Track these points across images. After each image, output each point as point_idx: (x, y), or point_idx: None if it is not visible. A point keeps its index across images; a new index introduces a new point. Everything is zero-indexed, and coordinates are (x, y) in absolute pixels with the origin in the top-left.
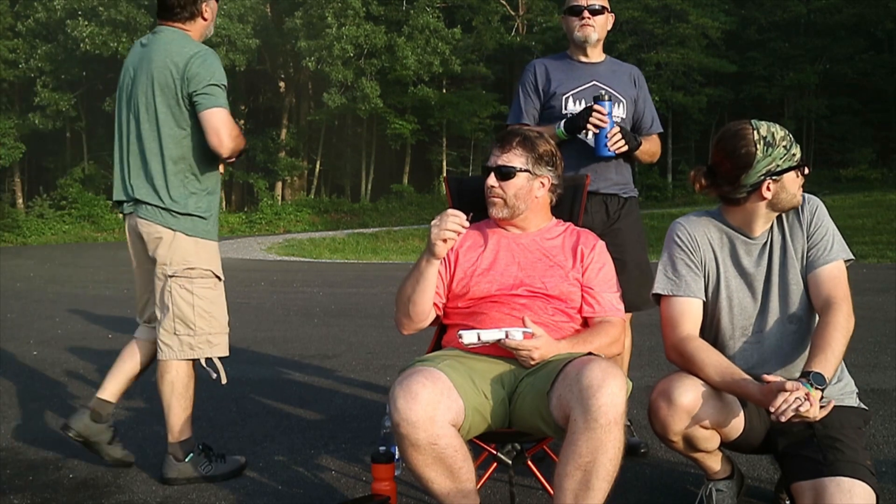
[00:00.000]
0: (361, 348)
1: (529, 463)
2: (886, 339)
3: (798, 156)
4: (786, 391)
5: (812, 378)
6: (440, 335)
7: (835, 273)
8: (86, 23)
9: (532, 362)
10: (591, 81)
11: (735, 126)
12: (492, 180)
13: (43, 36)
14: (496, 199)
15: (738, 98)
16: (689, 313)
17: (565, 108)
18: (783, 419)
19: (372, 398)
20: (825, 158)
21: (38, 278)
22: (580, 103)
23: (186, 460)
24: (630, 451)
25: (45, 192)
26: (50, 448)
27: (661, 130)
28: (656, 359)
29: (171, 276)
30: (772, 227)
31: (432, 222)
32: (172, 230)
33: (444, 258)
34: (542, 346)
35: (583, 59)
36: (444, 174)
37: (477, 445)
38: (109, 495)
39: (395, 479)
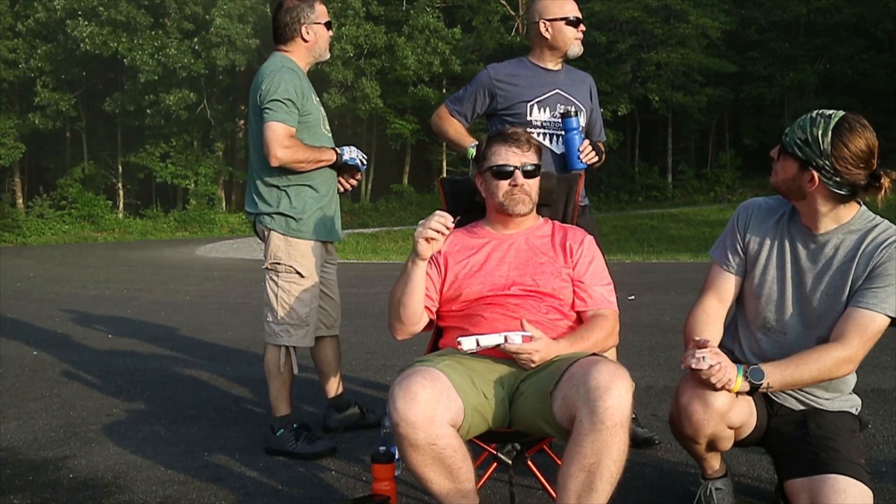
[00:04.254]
0: (361, 348)
1: (529, 463)
2: (886, 339)
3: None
4: (707, 354)
5: (751, 372)
6: (437, 338)
7: (866, 322)
8: (86, 23)
9: (532, 365)
10: (555, 90)
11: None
12: (520, 179)
13: (43, 36)
14: (524, 196)
15: (738, 98)
16: (717, 284)
17: (530, 115)
18: (686, 364)
19: (372, 398)
20: None
21: (38, 278)
22: (545, 111)
23: (278, 434)
24: (644, 443)
25: (45, 192)
26: (50, 448)
27: (605, 139)
28: (656, 359)
29: (264, 269)
30: (841, 243)
31: (420, 222)
32: (269, 229)
33: (434, 261)
34: (541, 348)
35: (549, 66)
36: (444, 174)
37: (477, 445)
38: (109, 495)
39: (395, 479)
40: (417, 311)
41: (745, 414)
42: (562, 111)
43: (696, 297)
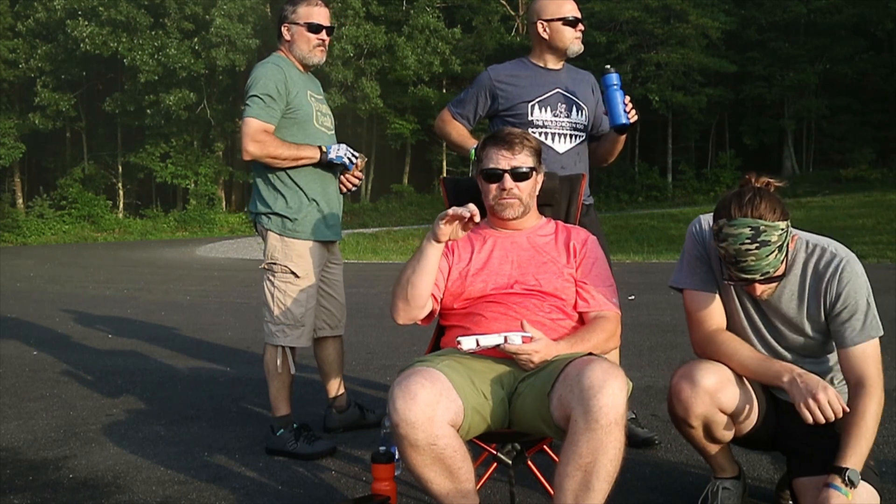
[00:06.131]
0: (361, 348)
1: (529, 463)
2: (887, 339)
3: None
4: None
5: (848, 477)
6: (438, 336)
7: (868, 352)
8: (86, 23)
9: (531, 366)
10: (556, 89)
11: None
12: (508, 182)
13: (43, 36)
14: (513, 201)
15: (738, 98)
16: (713, 308)
17: (532, 115)
18: None
19: (372, 398)
20: (825, 158)
21: (38, 278)
22: (547, 110)
23: (278, 434)
24: (644, 443)
25: (45, 192)
26: (50, 448)
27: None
28: (656, 359)
29: (261, 269)
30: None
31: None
32: (266, 229)
33: (444, 254)
34: (541, 349)
35: (550, 65)
36: (444, 174)
37: (477, 445)
38: (109, 495)
39: (395, 479)
40: (424, 294)
41: (738, 399)
42: (606, 67)
43: (697, 332)
